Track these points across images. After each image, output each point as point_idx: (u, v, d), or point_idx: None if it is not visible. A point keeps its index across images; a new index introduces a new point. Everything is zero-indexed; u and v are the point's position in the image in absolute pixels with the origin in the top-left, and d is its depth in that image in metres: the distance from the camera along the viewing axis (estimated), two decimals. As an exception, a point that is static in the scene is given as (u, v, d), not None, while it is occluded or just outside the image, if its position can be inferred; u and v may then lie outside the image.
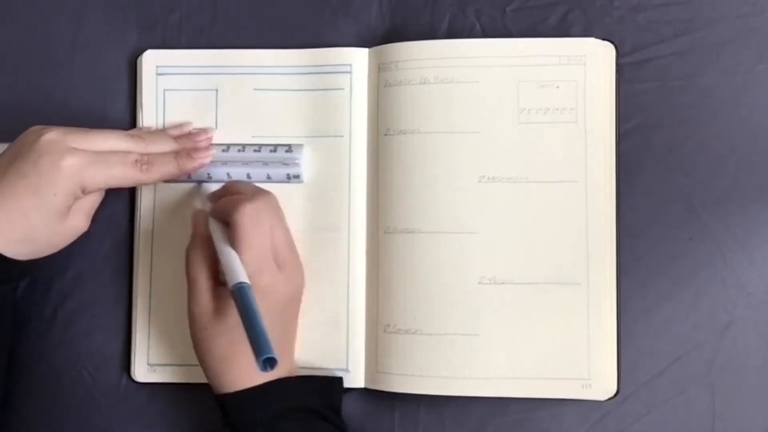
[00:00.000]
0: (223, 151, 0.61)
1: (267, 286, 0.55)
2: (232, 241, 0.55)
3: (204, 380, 0.61)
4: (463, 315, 0.59)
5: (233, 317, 0.53)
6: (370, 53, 0.62)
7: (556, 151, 0.59)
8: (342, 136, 0.61)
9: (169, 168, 0.59)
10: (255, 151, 0.61)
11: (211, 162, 0.61)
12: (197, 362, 0.59)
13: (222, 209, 0.57)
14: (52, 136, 0.55)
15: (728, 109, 0.60)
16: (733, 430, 0.59)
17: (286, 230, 0.59)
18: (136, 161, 0.57)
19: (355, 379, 0.60)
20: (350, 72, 0.62)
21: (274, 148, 0.61)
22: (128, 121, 0.64)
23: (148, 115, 0.63)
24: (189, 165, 0.59)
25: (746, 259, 0.60)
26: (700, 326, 0.60)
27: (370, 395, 0.61)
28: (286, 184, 0.61)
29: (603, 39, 0.60)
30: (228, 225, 0.56)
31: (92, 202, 0.59)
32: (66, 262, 0.63)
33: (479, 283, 0.59)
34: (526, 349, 0.58)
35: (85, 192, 0.56)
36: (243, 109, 0.62)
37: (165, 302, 0.62)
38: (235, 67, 0.62)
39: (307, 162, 0.61)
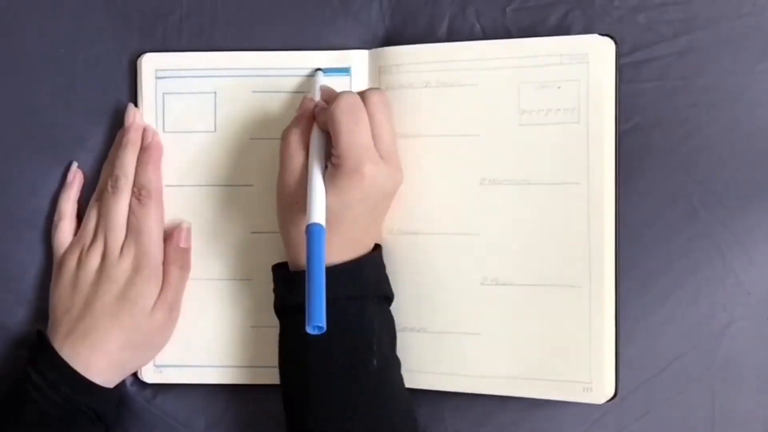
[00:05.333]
0: None
1: (368, 176, 0.54)
2: (332, 133, 0.55)
3: (212, 381, 0.62)
4: (465, 314, 0.60)
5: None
6: (370, 55, 0.62)
7: (558, 152, 0.59)
8: (342, 138, 0.61)
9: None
10: None
11: None
12: (205, 363, 0.61)
13: (325, 110, 0.56)
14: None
15: (728, 109, 0.60)
16: (733, 430, 0.60)
17: (391, 127, 0.57)
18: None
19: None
20: (349, 74, 0.62)
21: None
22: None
23: (148, 119, 0.63)
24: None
25: (746, 258, 0.60)
26: (700, 326, 0.60)
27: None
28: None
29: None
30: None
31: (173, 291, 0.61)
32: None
33: (481, 284, 0.59)
34: (527, 349, 0.59)
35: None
36: (241, 112, 0.62)
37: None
38: (234, 70, 0.62)
39: None
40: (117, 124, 0.63)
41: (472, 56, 0.60)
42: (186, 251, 0.61)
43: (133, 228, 0.60)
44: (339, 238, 0.55)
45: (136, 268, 0.59)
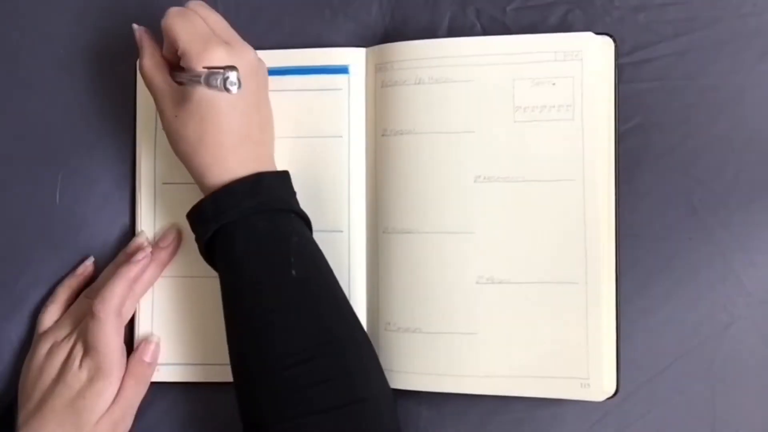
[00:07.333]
0: None
1: (218, 59, 0.54)
2: (170, 40, 0.55)
3: (210, 379, 0.62)
4: (461, 314, 0.59)
5: (197, 95, 0.54)
6: (367, 53, 0.62)
7: (553, 149, 0.58)
8: (341, 137, 0.61)
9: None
10: None
11: None
12: (202, 361, 0.61)
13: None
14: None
15: (728, 109, 0.60)
16: (733, 430, 0.59)
17: (220, 17, 0.58)
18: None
19: (356, 378, 0.60)
20: (348, 72, 0.62)
21: None
22: (129, 122, 0.64)
23: (147, 116, 0.63)
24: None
25: (746, 258, 0.60)
26: (700, 326, 0.60)
27: (370, 394, 0.61)
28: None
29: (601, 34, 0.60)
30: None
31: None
32: (72, 260, 0.64)
33: (477, 282, 0.59)
34: (525, 348, 0.58)
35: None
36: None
37: (169, 300, 0.62)
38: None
39: None
40: (116, 125, 0.64)
41: (467, 52, 0.59)
42: (148, 366, 0.61)
43: (88, 344, 0.59)
44: (242, 148, 0.55)
45: (91, 380, 0.58)
